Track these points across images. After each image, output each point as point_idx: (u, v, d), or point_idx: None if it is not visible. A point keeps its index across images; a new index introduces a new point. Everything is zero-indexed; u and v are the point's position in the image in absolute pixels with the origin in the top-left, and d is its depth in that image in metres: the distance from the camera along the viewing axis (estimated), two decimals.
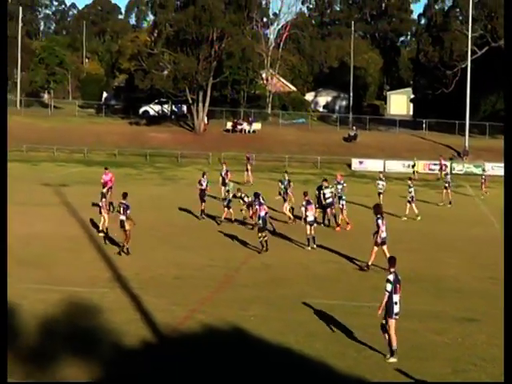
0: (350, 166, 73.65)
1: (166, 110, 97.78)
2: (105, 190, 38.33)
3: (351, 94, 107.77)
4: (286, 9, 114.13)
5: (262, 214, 31.52)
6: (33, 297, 22.99)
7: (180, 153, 75.57)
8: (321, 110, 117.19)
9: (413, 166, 66.35)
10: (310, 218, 31.96)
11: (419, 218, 40.94)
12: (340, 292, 24.77)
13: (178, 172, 66.29)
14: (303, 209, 32.34)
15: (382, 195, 44.65)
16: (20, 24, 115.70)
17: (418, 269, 28.27)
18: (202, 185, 40.26)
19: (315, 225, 32.58)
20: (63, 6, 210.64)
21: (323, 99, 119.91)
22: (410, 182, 42.84)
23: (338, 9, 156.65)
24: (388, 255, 23.42)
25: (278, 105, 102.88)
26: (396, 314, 18.28)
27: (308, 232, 31.74)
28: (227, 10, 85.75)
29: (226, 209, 38.28)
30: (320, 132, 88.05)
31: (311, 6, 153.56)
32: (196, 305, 22.72)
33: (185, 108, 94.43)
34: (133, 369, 17.74)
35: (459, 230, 38.68)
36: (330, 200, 37.51)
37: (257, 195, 33.21)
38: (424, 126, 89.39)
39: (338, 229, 36.98)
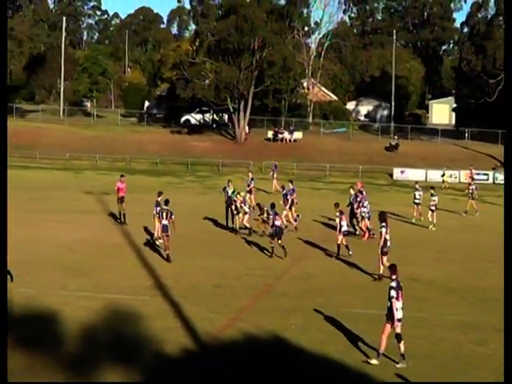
0: (391, 175, 73.38)
1: (207, 119, 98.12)
2: (120, 196, 39.54)
3: (393, 103, 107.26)
4: (327, 18, 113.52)
5: (278, 223, 31.97)
6: (75, 304, 23.17)
7: (221, 162, 75.77)
8: (362, 119, 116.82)
9: (442, 176, 66.16)
10: (345, 228, 32.00)
11: (433, 228, 40.54)
12: (380, 302, 24.57)
13: (219, 181, 66.34)
14: (337, 220, 32.24)
15: (419, 205, 43.89)
16: (63, 34, 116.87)
17: (458, 279, 28.09)
18: (227, 193, 39.94)
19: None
20: (106, 16, 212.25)
21: (364, 108, 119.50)
22: (432, 190, 42.45)
23: (380, 18, 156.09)
24: (387, 264, 23.34)
25: (319, 114, 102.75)
26: (399, 320, 18.38)
27: (339, 242, 31.68)
28: (269, 19, 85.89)
29: (238, 216, 38.15)
30: (361, 141, 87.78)
31: (353, 15, 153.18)
32: (236, 313, 22.76)
33: (226, 117, 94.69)
34: (173, 377, 17.80)
35: (497, 240, 38.31)
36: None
37: (273, 206, 33.32)
38: (466, 135, 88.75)
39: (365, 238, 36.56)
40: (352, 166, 74.26)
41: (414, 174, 70.10)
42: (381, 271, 27.50)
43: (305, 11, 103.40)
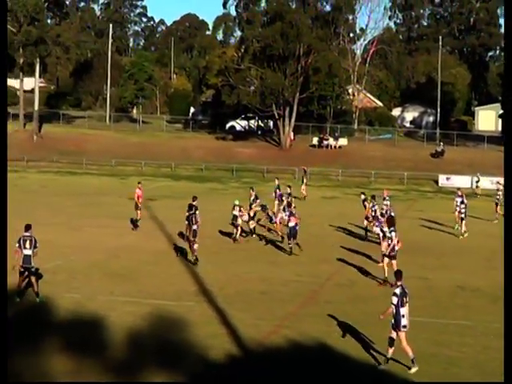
0: (436, 182, 72.90)
1: (252, 126, 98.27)
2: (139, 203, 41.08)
3: (438, 110, 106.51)
4: (373, 24, 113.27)
5: (292, 224, 33.09)
6: (121, 309, 23.35)
7: (266, 168, 75.84)
8: (407, 125, 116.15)
9: (477, 182, 65.59)
10: (388, 234, 31.76)
11: (464, 235, 40.04)
12: (425, 309, 24.45)
13: (263, 187, 66.36)
14: (376, 229, 32.09)
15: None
16: (110, 40, 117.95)
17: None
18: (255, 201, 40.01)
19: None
20: (152, 23, 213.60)
21: (410, 115, 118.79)
22: (462, 197, 41.97)
23: (426, 24, 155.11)
24: (395, 268, 23.35)
25: (365, 120, 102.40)
26: (404, 327, 18.34)
27: (384, 249, 31.46)
28: (314, 26, 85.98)
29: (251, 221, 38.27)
30: (407, 148, 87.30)
31: (398, 21, 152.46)
32: (281, 320, 22.77)
33: (271, 123, 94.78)
34: (218, 383, 17.87)
35: None
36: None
37: (289, 205, 35.24)
38: None
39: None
40: (397, 172, 73.91)
41: (459, 181, 69.46)
42: (386, 275, 27.58)
43: (350, 17, 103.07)
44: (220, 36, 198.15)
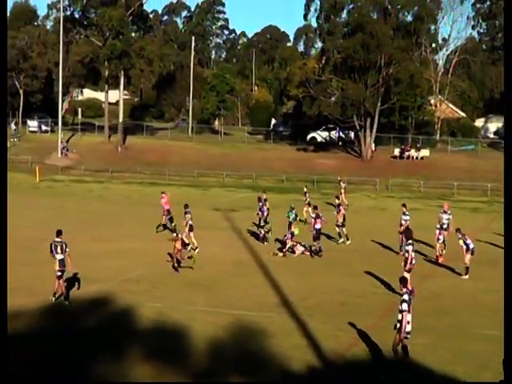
0: None
1: (333, 137, 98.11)
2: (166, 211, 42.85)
3: None
4: (455, 34, 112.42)
5: (318, 226, 35.66)
6: (202, 319, 23.62)
7: (347, 179, 75.60)
8: (491, 136, 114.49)
9: None
10: (472, 246, 31.37)
11: None
12: None
13: (344, 199, 66.33)
14: (461, 241, 31.56)
15: None
16: (192, 53, 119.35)
17: None
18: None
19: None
20: (233, 35, 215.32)
21: (493, 125, 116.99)
22: None
23: None
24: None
25: (447, 131, 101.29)
26: (408, 333, 18.50)
27: (467, 261, 31.13)
28: (395, 36, 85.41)
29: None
30: (490, 159, 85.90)
31: (482, 31, 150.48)
32: (361, 332, 22.73)
33: (352, 134, 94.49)
34: None
35: None
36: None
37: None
38: None
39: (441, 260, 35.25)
40: (480, 184, 72.80)
41: None
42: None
43: (432, 27, 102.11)
44: (301, 47, 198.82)
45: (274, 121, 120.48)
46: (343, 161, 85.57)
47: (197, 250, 35.02)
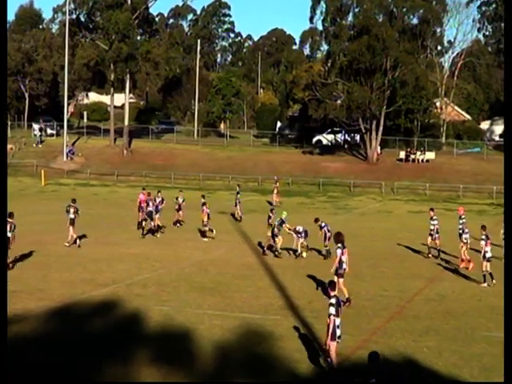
0: None
1: (339, 140, 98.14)
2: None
3: None
4: (461, 36, 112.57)
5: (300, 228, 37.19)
6: (209, 322, 23.60)
7: (353, 182, 75.65)
8: (497, 139, 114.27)
9: None
10: (489, 254, 30.51)
11: None
12: None
13: (350, 201, 66.41)
14: (483, 242, 30.74)
15: None
16: (198, 56, 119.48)
17: None
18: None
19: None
20: (239, 38, 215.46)
21: (499, 128, 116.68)
22: None
23: None
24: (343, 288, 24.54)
25: (453, 134, 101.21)
26: (338, 338, 18.28)
27: (484, 268, 30.59)
28: (401, 39, 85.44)
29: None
30: (496, 162, 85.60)
31: (487, 33, 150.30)
32: (368, 334, 22.70)
33: (358, 137, 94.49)
34: None
35: None
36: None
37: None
38: None
39: (462, 265, 34.70)
40: (486, 186, 72.79)
41: None
42: (346, 295, 26.14)
43: (438, 30, 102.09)
44: (307, 50, 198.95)
45: (279, 124, 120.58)
46: (349, 164, 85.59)
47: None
